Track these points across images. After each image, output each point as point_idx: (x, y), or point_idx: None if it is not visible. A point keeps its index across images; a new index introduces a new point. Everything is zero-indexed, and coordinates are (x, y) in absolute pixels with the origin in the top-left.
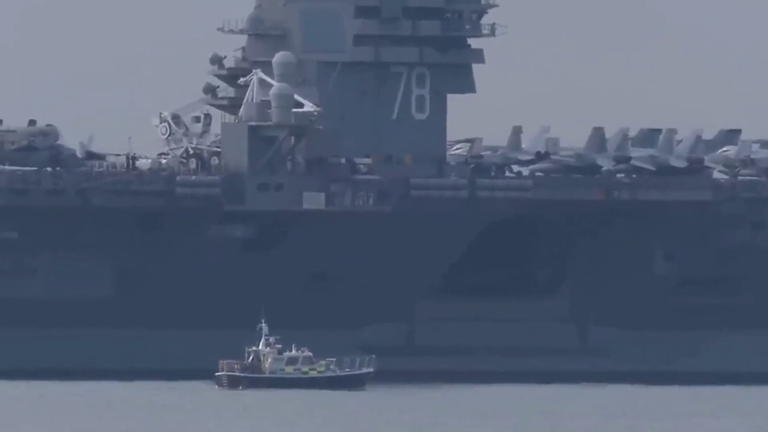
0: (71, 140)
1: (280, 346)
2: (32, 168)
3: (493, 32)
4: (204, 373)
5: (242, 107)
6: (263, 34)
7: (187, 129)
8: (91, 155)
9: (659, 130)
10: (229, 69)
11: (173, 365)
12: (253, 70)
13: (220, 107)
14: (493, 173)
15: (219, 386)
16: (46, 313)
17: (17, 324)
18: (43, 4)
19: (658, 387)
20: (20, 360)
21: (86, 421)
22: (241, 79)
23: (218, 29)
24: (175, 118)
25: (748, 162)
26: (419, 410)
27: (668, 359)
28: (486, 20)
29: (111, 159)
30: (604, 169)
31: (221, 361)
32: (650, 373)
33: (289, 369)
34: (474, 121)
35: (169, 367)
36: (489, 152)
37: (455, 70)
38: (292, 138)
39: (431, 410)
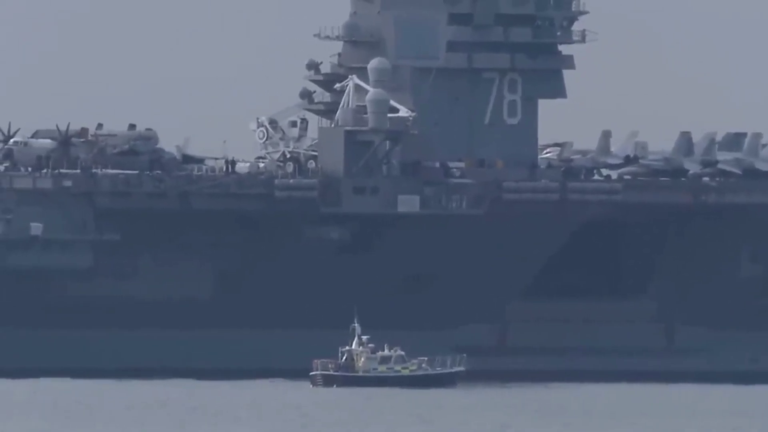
0: (166, 143)
1: (373, 345)
2: (134, 171)
3: (583, 39)
4: (298, 372)
5: (338, 112)
6: (359, 41)
7: (284, 133)
8: (187, 159)
9: (745, 134)
10: (325, 75)
11: (269, 364)
12: (349, 76)
13: (316, 112)
14: (582, 177)
15: (313, 385)
16: (147, 314)
17: (119, 324)
18: (141, 9)
19: (745, 386)
20: (122, 359)
21: (188, 420)
22: (337, 85)
23: (315, 36)
24: (272, 122)
25: None
26: (509, 409)
27: (754, 359)
28: (576, 27)
29: (210, 163)
30: (691, 172)
31: (315, 361)
32: (737, 373)
33: (382, 368)
34: (564, 125)
35: (264, 366)
36: (579, 156)
37: (546, 75)
38: (388, 142)
39: (520, 409)
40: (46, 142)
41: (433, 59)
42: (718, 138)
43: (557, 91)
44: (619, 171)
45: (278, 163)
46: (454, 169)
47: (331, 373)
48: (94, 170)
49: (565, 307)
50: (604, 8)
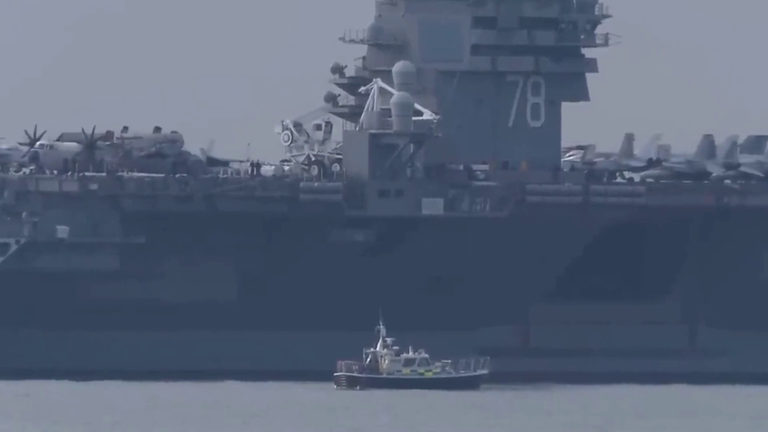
0: (191, 146)
1: (397, 347)
2: (160, 174)
3: (606, 42)
4: (323, 373)
5: (363, 115)
6: (383, 44)
7: (308, 136)
8: (212, 161)
9: (767, 137)
10: (350, 78)
11: (293, 366)
12: (374, 79)
13: (340, 115)
14: (605, 179)
15: (337, 386)
16: (172, 316)
17: (145, 326)
18: (166, 12)
19: (767, 387)
20: (147, 361)
21: (210, 420)
22: (362, 88)
23: (339, 39)
24: (297, 125)
25: None
26: (532, 411)
27: None
28: (600, 30)
29: (235, 165)
30: (713, 175)
31: (340, 362)
32: (759, 374)
33: (406, 370)
34: (587, 128)
35: (289, 368)
36: (602, 159)
37: (569, 78)
38: (412, 145)
39: (544, 411)
40: (72, 145)
41: (458, 62)
42: (741, 141)
43: (580, 94)
44: (642, 174)
45: (303, 166)
46: (478, 172)
47: (355, 374)
48: (119, 173)
49: (588, 309)
50: (627, 12)
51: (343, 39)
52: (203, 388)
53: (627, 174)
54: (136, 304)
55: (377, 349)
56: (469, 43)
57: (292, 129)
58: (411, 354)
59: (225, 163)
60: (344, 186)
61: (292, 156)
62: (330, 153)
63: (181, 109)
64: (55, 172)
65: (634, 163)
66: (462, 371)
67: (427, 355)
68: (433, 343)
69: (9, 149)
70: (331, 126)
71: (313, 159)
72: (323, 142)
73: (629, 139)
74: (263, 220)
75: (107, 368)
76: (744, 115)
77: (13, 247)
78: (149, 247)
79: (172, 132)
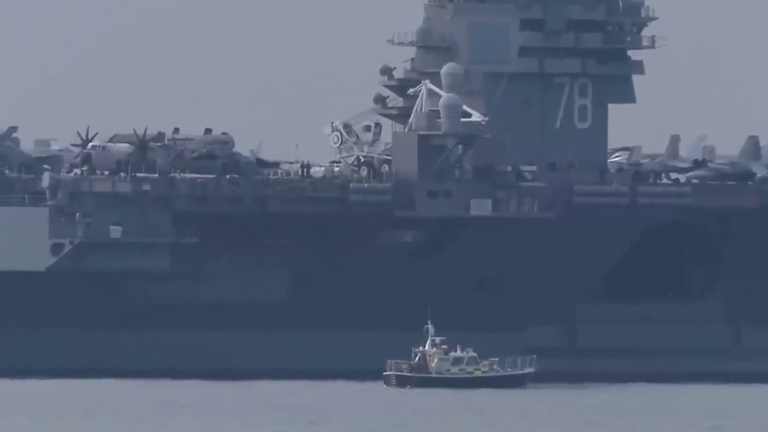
0: (240, 147)
1: (445, 346)
2: (211, 175)
3: (652, 44)
4: (373, 373)
5: (412, 117)
6: (432, 46)
7: (357, 138)
8: (261, 163)
9: None
10: (399, 80)
11: (343, 365)
12: (422, 81)
13: (389, 117)
14: (651, 180)
15: (387, 385)
16: (223, 316)
17: (196, 326)
18: (216, 15)
19: None
20: (199, 361)
21: (258, 419)
22: (410, 90)
23: (388, 41)
24: (347, 127)
25: None
26: (577, 409)
27: None
28: (646, 32)
29: (285, 167)
30: (758, 176)
31: (389, 362)
32: None
33: (454, 369)
34: (634, 129)
35: (339, 367)
36: (647, 160)
37: (616, 80)
38: (460, 146)
39: (589, 409)
40: (124, 147)
41: (505, 64)
42: None
43: (627, 95)
44: (688, 175)
45: (353, 167)
46: (526, 173)
47: (405, 374)
48: (171, 174)
49: (634, 309)
50: (673, 14)
51: (391, 41)
52: (254, 387)
53: (673, 175)
54: (188, 304)
55: (426, 348)
56: (517, 46)
57: (342, 130)
58: (459, 353)
59: (274, 165)
60: (393, 187)
61: (342, 157)
62: (379, 154)
63: (230, 111)
64: (108, 173)
65: (679, 164)
66: (509, 370)
67: (475, 354)
68: (481, 343)
69: (61, 150)
70: (381, 127)
71: (362, 160)
72: (372, 143)
73: (675, 140)
74: (313, 220)
75: (159, 368)
76: None
77: (67, 248)
78: (201, 248)
79: (223, 133)
